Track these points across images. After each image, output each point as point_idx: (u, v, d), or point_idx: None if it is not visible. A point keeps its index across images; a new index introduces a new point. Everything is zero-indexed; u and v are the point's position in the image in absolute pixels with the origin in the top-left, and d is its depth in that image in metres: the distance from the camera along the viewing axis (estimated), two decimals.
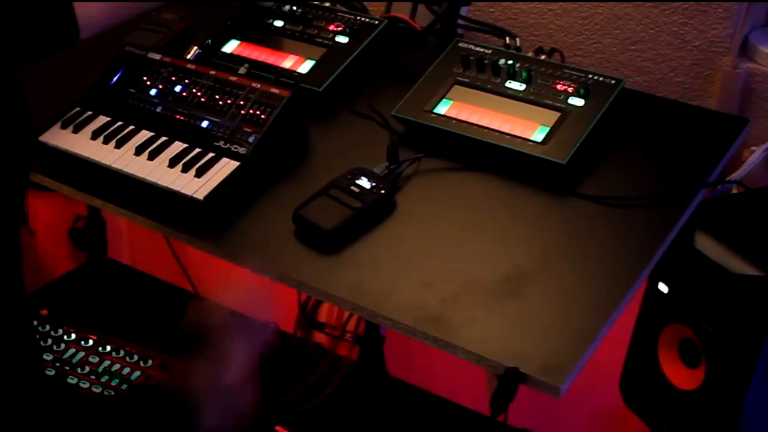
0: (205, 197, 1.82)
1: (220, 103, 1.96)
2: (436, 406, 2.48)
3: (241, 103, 1.94)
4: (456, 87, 2.00)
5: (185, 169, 1.87)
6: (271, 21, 2.21)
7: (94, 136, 1.96)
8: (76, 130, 1.98)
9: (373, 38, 2.13)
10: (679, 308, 1.93)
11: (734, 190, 2.07)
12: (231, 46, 2.18)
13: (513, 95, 1.97)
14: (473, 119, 1.94)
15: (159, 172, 1.88)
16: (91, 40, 1.77)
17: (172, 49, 2.14)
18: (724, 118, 2.08)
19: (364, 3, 2.31)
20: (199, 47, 2.15)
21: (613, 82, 1.95)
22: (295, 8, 2.20)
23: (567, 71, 1.98)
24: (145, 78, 2.04)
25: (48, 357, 2.19)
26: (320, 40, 2.14)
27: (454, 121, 1.94)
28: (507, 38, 2.13)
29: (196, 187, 1.83)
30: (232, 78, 2.00)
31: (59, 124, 1.99)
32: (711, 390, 1.89)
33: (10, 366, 1.44)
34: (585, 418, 2.66)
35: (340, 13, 2.19)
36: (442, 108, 1.97)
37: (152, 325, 2.60)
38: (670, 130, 2.01)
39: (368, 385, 2.42)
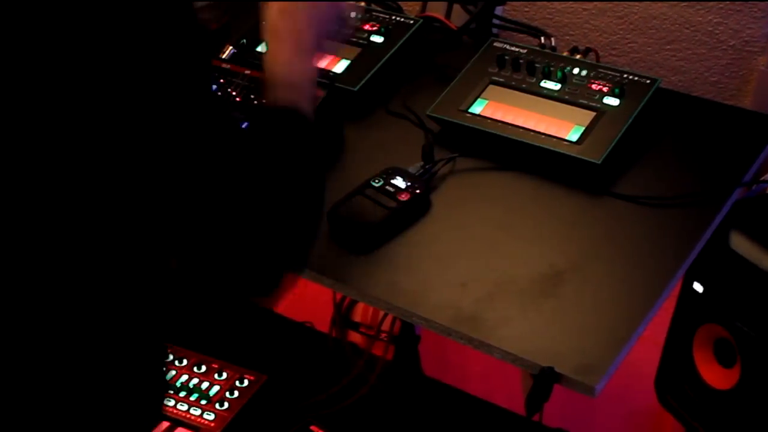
0: None
1: (255, 102, 1.96)
2: (471, 405, 2.48)
3: None
4: (491, 87, 2.00)
5: None
6: None
7: None
8: None
9: (408, 38, 2.13)
10: (714, 308, 1.93)
11: None
12: (266, 46, 2.18)
13: (548, 95, 1.97)
14: (508, 119, 1.94)
15: None
16: None
17: None
18: (759, 117, 2.07)
19: (399, 2, 2.31)
20: (234, 47, 2.15)
21: (648, 81, 1.95)
22: None
23: (602, 71, 1.98)
24: None
25: None
26: (355, 39, 2.14)
27: (489, 121, 1.94)
28: (542, 38, 2.13)
29: None
30: None
31: None
32: (746, 389, 1.89)
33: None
34: (620, 417, 2.66)
35: (375, 13, 2.20)
36: (477, 108, 1.97)
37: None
38: (705, 129, 2.00)
39: (403, 384, 2.42)
